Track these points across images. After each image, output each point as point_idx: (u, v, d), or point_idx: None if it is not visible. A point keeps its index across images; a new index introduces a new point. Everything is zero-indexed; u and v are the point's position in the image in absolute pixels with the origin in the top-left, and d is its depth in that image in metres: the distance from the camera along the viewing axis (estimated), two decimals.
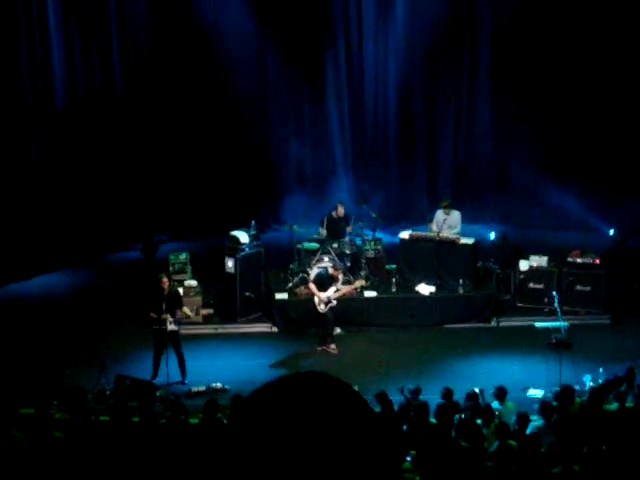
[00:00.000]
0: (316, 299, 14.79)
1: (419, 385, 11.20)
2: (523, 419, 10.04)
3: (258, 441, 1.82)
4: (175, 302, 13.65)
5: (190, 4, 19.58)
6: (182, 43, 19.54)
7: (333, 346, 14.79)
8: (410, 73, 20.39)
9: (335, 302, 14.82)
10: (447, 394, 10.83)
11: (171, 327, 13.39)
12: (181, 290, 15.23)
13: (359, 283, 15.69)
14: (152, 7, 19.46)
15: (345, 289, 15.18)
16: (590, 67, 19.62)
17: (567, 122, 20.00)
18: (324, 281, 14.90)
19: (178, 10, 19.47)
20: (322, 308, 14.75)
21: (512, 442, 9.25)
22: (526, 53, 19.82)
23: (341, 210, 16.83)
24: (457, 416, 10.05)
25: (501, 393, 10.94)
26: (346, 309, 15.53)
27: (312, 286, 14.93)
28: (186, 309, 13.94)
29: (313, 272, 15.65)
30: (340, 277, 15.20)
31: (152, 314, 13.45)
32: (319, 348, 14.78)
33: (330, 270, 15.13)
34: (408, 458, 9.00)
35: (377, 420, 1.89)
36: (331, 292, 14.82)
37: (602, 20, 19.31)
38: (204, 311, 15.85)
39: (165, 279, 13.73)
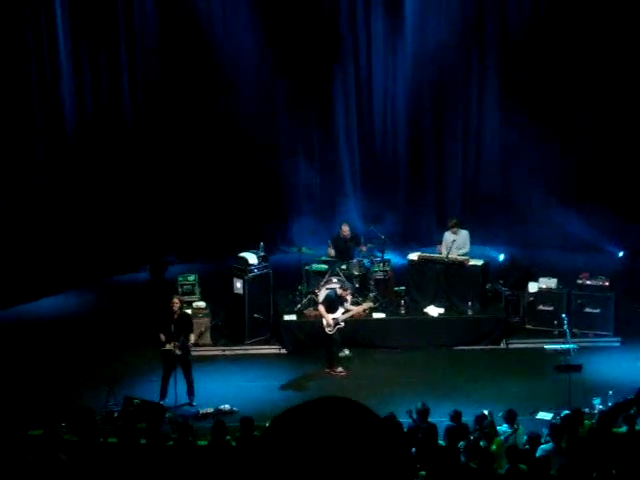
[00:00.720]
0: (324, 321, 14.76)
1: (428, 407, 11.13)
2: (534, 440, 9.99)
3: (286, 463, 1.85)
4: (185, 326, 13.61)
5: (199, 24, 19.58)
6: (190, 63, 19.59)
7: (340, 369, 14.74)
8: (419, 94, 20.38)
9: (343, 324, 14.81)
10: (456, 416, 10.79)
11: (177, 352, 13.33)
12: (189, 311, 15.16)
13: (367, 305, 15.70)
14: (161, 28, 19.54)
15: (354, 310, 15.17)
16: (603, 88, 19.57)
17: (577, 144, 19.95)
18: (333, 302, 14.87)
19: (187, 32, 19.51)
20: (330, 330, 14.72)
21: (522, 466, 9.20)
22: (536, 74, 19.79)
23: (345, 229, 16.76)
24: (462, 442, 9.96)
25: (510, 416, 10.88)
26: (354, 331, 15.51)
27: (321, 308, 14.92)
28: (191, 335, 13.74)
29: (322, 293, 15.63)
30: (349, 298, 15.19)
31: (161, 335, 13.44)
32: (327, 370, 14.74)
33: (338, 291, 15.10)
34: None
35: (396, 443, 1.91)
36: (339, 313, 14.80)
37: (617, 46, 19.28)
38: (201, 340, 15.35)
39: (176, 300, 13.72)
